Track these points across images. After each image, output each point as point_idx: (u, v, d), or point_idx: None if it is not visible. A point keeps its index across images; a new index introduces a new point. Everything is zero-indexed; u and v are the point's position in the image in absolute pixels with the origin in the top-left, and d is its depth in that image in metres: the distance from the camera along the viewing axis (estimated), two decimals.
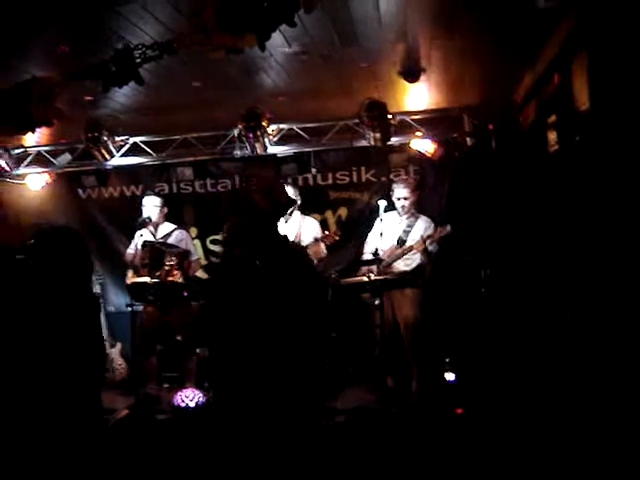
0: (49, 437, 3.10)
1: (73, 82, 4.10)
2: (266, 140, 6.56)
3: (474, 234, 6.17)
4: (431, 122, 6.58)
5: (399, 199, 6.32)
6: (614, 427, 3.48)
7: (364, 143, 6.54)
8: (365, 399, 5.79)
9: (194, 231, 7.64)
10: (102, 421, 3.62)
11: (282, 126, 6.65)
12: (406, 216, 6.35)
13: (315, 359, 3.66)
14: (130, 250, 6.67)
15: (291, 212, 6.50)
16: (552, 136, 4.90)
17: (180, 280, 6.26)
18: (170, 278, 6.15)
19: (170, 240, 6.72)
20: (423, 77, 5.44)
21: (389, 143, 6.54)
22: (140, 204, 6.89)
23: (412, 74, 5.37)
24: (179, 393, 5.52)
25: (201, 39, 3.41)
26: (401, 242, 6.24)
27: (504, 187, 5.95)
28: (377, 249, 6.18)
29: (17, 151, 7.27)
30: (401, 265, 6.22)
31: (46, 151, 7.28)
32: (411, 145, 6.80)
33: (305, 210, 6.78)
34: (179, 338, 6.51)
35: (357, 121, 6.31)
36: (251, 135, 6.42)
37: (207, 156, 7.10)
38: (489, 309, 5.87)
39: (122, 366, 7.30)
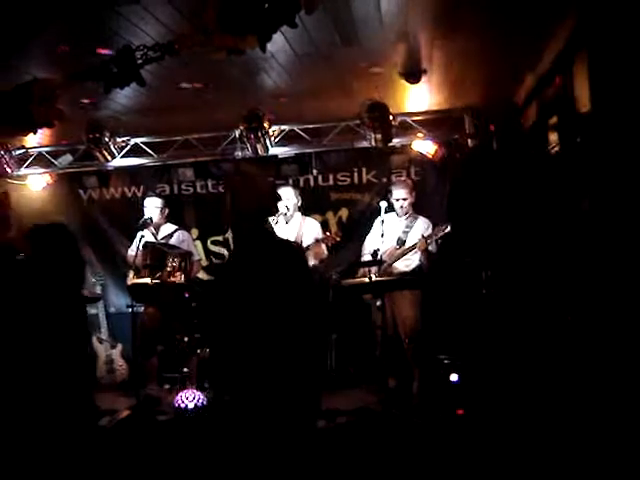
0: (35, 438, 3.10)
1: (74, 83, 4.09)
2: (267, 141, 6.56)
3: (475, 235, 6.16)
4: (432, 123, 6.58)
5: (397, 200, 6.34)
6: (615, 428, 3.48)
7: (365, 144, 6.54)
8: (366, 400, 5.79)
9: (195, 232, 7.65)
10: (92, 420, 3.60)
11: (283, 127, 6.65)
12: (405, 217, 6.37)
13: (316, 360, 3.66)
14: (131, 251, 6.67)
15: (292, 213, 6.51)
16: (553, 137, 4.90)
17: (181, 281, 6.25)
18: (172, 279, 6.15)
19: (171, 241, 6.72)
20: (424, 78, 5.44)
21: (390, 144, 6.55)
22: (141, 205, 6.90)
23: (413, 75, 5.37)
24: (180, 394, 5.52)
25: (202, 40, 3.40)
26: (400, 243, 6.28)
27: (505, 188, 5.94)
28: (377, 250, 6.19)
29: (18, 152, 7.27)
30: (401, 266, 6.24)
31: (47, 152, 7.29)
32: (412, 146, 6.80)
33: (306, 211, 6.78)
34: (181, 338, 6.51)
35: (358, 122, 6.32)
36: (252, 136, 6.42)
37: (208, 157, 7.10)
38: (490, 310, 5.87)
39: (123, 367, 7.31)
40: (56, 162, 7.31)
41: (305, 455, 3.50)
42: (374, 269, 5.92)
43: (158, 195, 7.15)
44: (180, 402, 5.43)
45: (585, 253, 4.09)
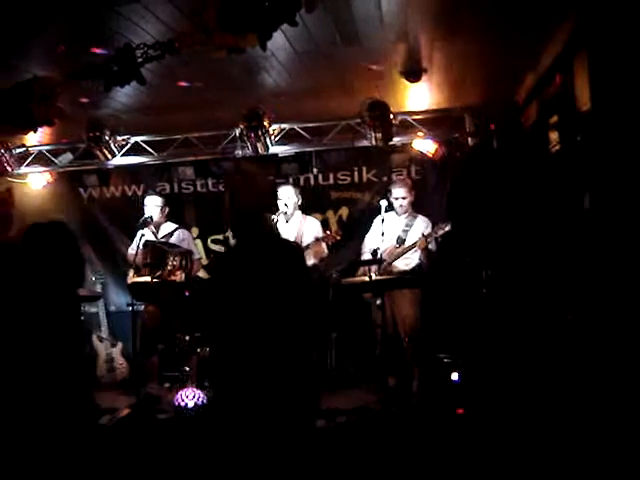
0: (31, 436, 3.09)
1: (75, 82, 4.09)
2: (267, 140, 6.56)
3: (475, 234, 6.17)
4: (433, 122, 6.58)
5: (397, 199, 6.35)
6: (615, 427, 3.48)
7: (365, 143, 6.54)
8: (366, 399, 5.78)
9: (195, 231, 7.65)
10: (91, 418, 3.59)
11: (283, 126, 6.64)
12: (404, 215, 6.39)
13: (315, 358, 3.66)
14: (131, 250, 6.66)
15: (292, 212, 6.51)
16: (554, 136, 4.90)
17: (182, 280, 6.25)
18: (172, 278, 6.15)
19: (172, 240, 6.72)
20: (425, 77, 5.44)
21: (391, 143, 6.54)
22: (141, 204, 6.89)
23: (414, 74, 5.37)
24: (180, 393, 5.52)
25: (203, 39, 3.41)
26: (400, 241, 6.29)
27: (506, 187, 5.95)
28: (377, 249, 6.20)
29: (19, 150, 7.27)
30: (401, 264, 6.25)
31: (47, 150, 7.28)
32: (413, 145, 6.80)
33: (306, 210, 6.78)
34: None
35: (359, 121, 6.31)
36: (252, 135, 6.42)
37: (208, 156, 7.09)
38: (490, 310, 5.87)
39: (123, 365, 7.31)
40: (56, 160, 7.30)
41: (305, 454, 3.51)
42: (374, 268, 5.92)
43: (158, 194, 7.14)
44: (180, 401, 5.43)
45: (586, 252, 4.09)
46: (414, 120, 6.53)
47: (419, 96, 6.18)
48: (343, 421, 5.20)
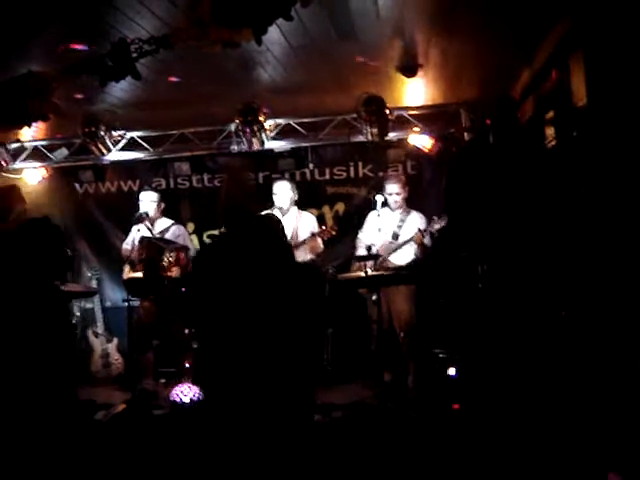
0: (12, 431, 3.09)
1: (70, 77, 4.08)
2: (263, 135, 6.55)
3: (471, 229, 6.17)
4: (429, 117, 6.58)
5: (390, 195, 6.37)
6: (610, 421, 3.49)
7: (361, 138, 6.54)
8: (362, 394, 5.79)
9: (191, 226, 7.64)
10: (75, 412, 3.59)
11: (279, 121, 6.64)
12: (399, 211, 6.41)
13: (311, 353, 3.65)
14: (126, 245, 6.65)
15: (288, 207, 6.50)
16: (550, 132, 4.90)
17: (178, 276, 6.24)
18: (168, 274, 6.13)
19: (167, 235, 6.70)
20: (421, 72, 5.44)
21: (386, 138, 6.54)
22: (137, 199, 6.87)
23: (410, 69, 5.37)
24: (176, 388, 5.51)
25: (197, 33, 3.40)
26: (395, 236, 6.30)
27: (501, 182, 5.95)
28: (371, 245, 6.21)
29: (14, 145, 7.25)
30: (396, 260, 6.26)
31: (43, 146, 7.26)
32: (409, 140, 6.80)
33: (302, 205, 6.77)
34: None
35: (355, 116, 6.31)
36: (248, 130, 6.41)
37: (204, 151, 7.09)
38: (486, 305, 5.87)
39: (119, 361, 7.30)
40: (52, 156, 7.28)
41: (301, 449, 3.50)
42: (370, 263, 5.93)
43: (154, 189, 7.13)
44: (176, 396, 5.43)
45: (581, 248, 4.09)
46: (410, 115, 6.54)
47: (415, 91, 6.17)
48: (339, 416, 5.21)
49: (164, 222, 6.89)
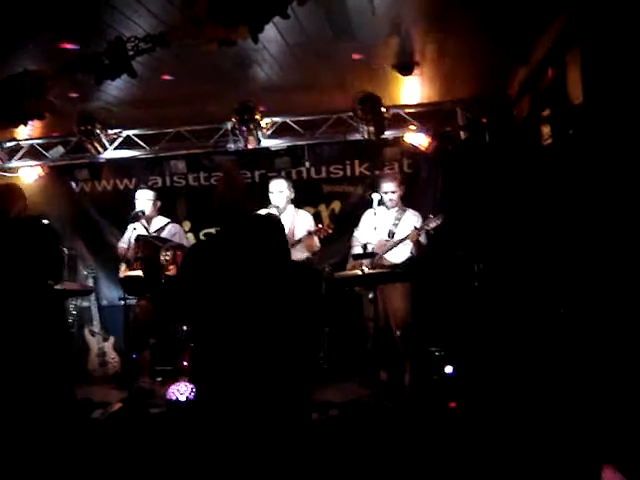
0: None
1: (66, 75, 4.07)
2: (259, 133, 6.54)
3: (467, 228, 6.17)
4: (425, 115, 6.58)
5: (386, 193, 6.37)
6: (607, 420, 3.49)
7: (358, 136, 6.54)
8: (358, 393, 5.80)
9: (187, 224, 7.65)
10: (71, 410, 3.59)
11: (275, 119, 6.63)
12: (395, 209, 6.41)
13: (308, 352, 3.64)
14: (122, 244, 6.64)
15: (284, 206, 6.50)
16: (546, 130, 4.90)
17: (174, 274, 6.23)
18: (164, 272, 6.13)
19: (163, 234, 6.70)
20: (417, 70, 5.44)
21: (383, 136, 6.54)
22: (133, 197, 6.86)
23: (406, 67, 5.36)
24: (172, 387, 5.51)
25: (194, 31, 3.39)
26: (391, 235, 6.31)
27: (497, 181, 5.95)
28: (367, 243, 6.21)
29: (9, 144, 7.25)
30: (392, 258, 6.26)
31: (39, 144, 7.25)
32: (405, 138, 6.80)
33: (298, 203, 6.76)
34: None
35: (351, 114, 6.30)
36: (244, 128, 6.40)
37: (200, 149, 7.08)
38: (482, 303, 5.88)
39: (115, 360, 7.30)
40: (47, 154, 7.28)
41: (297, 448, 3.50)
42: (366, 261, 5.93)
43: (150, 187, 7.13)
44: (172, 395, 5.43)
45: (578, 246, 4.10)
46: (406, 113, 6.54)
47: (411, 89, 6.17)
48: (335, 414, 5.22)
49: (160, 220, 6.89)
